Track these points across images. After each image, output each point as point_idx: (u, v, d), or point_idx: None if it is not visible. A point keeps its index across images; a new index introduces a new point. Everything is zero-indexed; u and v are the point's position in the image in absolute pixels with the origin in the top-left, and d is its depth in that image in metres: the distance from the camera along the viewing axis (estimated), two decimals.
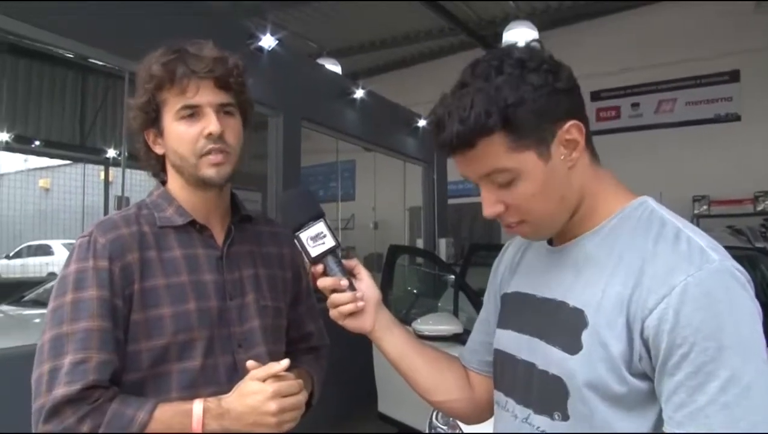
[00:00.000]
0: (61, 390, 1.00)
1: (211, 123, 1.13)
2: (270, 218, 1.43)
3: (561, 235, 0.96)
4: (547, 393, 0.90)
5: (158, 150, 1.20)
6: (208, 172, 1.15)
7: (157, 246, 1.15)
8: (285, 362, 1.08)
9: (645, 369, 0.81)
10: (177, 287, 1.13)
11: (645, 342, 0.80)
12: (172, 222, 1.18)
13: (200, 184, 1.17)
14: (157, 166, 1.24)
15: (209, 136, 1.13)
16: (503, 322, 1.04)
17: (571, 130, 0.86)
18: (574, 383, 0.85)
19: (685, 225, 0.85)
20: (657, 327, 0.78)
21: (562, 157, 0.87)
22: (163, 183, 1.24)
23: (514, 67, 0.83)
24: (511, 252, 1.12)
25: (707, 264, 0.78)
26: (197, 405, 1.05)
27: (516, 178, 0.86)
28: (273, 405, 1.04)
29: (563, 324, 0.88)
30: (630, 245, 0.86)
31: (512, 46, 0.87)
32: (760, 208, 8.26)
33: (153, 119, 1.16)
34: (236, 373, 1.15)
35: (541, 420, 0.91)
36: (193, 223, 1.19)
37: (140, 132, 1.19)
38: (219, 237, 1.23)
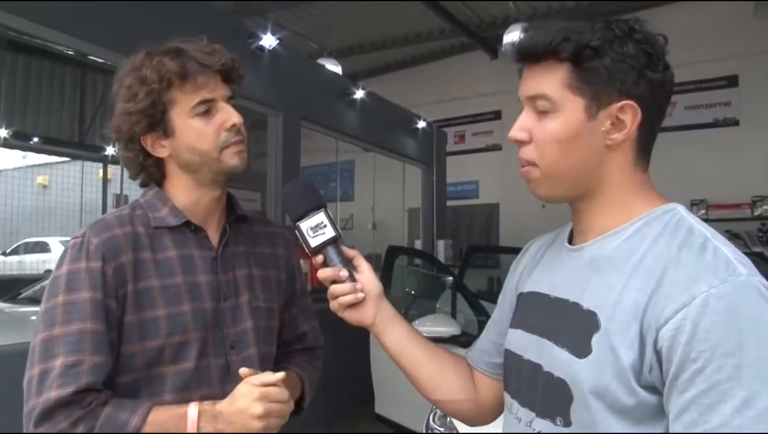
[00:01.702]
0: (53, 393, 0.99)
1: (232, 115, 1.14)
2: (267, 218, 1.42)
3: (581, 235, 0.94)
4: (550, 397, 0.87)
5: (162, 152, 1.16)
6: (233, 161, 1.15)
7: (151, 247, 1.14)
8: (281, 374, 1.06)
9: (655, 382, 0.77)
10: (172, 288, 1.12)
11: (658, 353, 0.76)
12: (166, 223, 1.16)
13: (219, 177, 1.16)
14: (158, 172, 1.20)
15: (233, 127, 1.13)
16: (515, 322, 1.01)
17: (625, 108, 0.85)
18: (579, 388, 0.81)
19: (714, 236, 0.82)
20: (672, 338, 0.74)
21: (603, 129, 0.86)
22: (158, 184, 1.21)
23: (622, 30, 0.85)
24: (532, 251, 1.08)
25: (733, 277, 0.74)
26: (192, 409, 1.04)
27: (553, 113, 0.87)
28: (259, 407, 1.01)
29: (574, 326, 0.85)
30: (653, 249, 0.82)
31: (642, 21, 0.88)
32: (757, 212, 8.22)
33: (158, 121, 1.13)
34: (228, 375, 1.14)
35: (543, 424, 0.88)
36: (187, 224, 1.17)
37: (140, 137, 1.14)
38: (214, 237, 1.21)
